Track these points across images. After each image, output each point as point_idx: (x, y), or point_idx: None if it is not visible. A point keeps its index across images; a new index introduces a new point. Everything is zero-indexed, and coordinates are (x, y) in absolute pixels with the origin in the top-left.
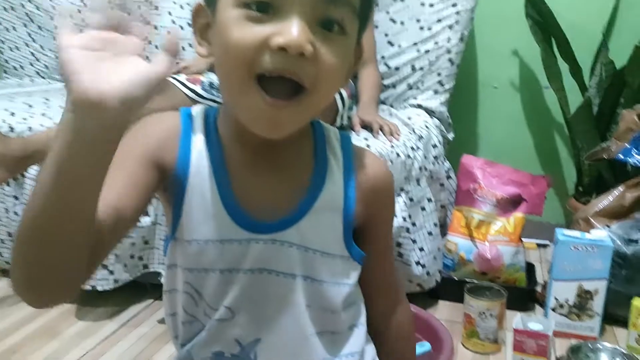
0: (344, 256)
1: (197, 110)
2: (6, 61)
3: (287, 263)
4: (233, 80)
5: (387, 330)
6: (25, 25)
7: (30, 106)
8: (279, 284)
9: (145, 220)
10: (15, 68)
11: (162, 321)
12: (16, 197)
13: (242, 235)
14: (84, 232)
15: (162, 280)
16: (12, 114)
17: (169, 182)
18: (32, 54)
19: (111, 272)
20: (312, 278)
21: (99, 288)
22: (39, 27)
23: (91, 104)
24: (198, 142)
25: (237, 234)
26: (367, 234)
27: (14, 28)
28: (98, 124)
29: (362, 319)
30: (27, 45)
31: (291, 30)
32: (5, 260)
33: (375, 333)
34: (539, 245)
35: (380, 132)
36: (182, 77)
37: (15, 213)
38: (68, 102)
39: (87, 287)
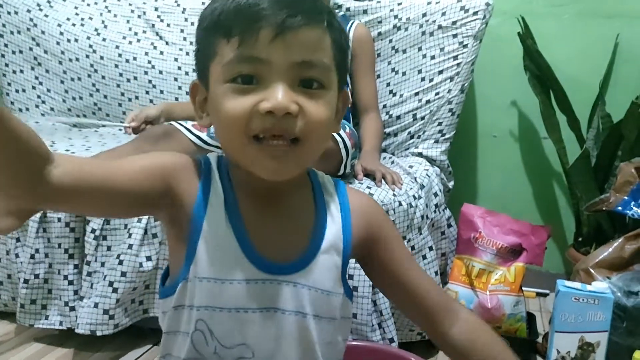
0: (340, 293)
1: (212, 156)
2: (12, 103)
3: (299, 303)
4: (232, 143)
5: (469, 343)
6: (32, 69)
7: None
8: (292, 323)
9: (147, 265)
10: (20, 110)
11: None
12: (18, 239)
13: (259, 276)
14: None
15: (161, 321)
16: None
17: (182, 218)
18: (39, 96)
19: (111, 317)
20: (320, 316)
21: (99, 333)
22: (47, 71)
23: None
24: (214, 186)
25: (254, 275)
26: (381, 258)
27: (21, 71)
28: None
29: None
30: (33, 87)
31: (275, 95)
32: (3, 302)
33: (462, 351)
34: (538, 294)
35: (382, 180)
36: (189, 124)
37: (17, 255)
38: None
39: (86, 331)
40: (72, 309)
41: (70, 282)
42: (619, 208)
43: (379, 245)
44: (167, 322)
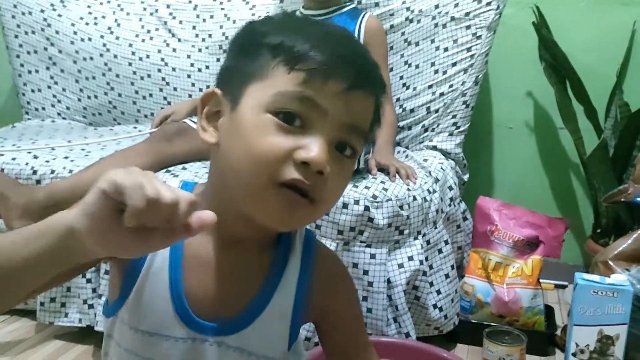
0: (282, 352)
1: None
2: (28, 102)
3: None
4: (251, 182)
5: None
6: (47, 68)
7: (52, 149)
8: None
9: None
10: (36, 109)
11: None
12: None
13: (187, 334)
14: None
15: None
16: (35, 156)
17: (124, 264)
18: (54, 95)
19: None
20: None
21: None
22: (62, 70)
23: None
24: None
25: (183, 333)
26: (331, 327)
27: (36, 71)
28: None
29: None
30: (49, 87)
31: (317, 149)
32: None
33: None
34: (556, 286)
35: (396, 175)
36: None
37: None
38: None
39: None
40: (91, 306)
41: (89, 280)
42: (638, 199)
43: (330, 313)
44: (104, 343)
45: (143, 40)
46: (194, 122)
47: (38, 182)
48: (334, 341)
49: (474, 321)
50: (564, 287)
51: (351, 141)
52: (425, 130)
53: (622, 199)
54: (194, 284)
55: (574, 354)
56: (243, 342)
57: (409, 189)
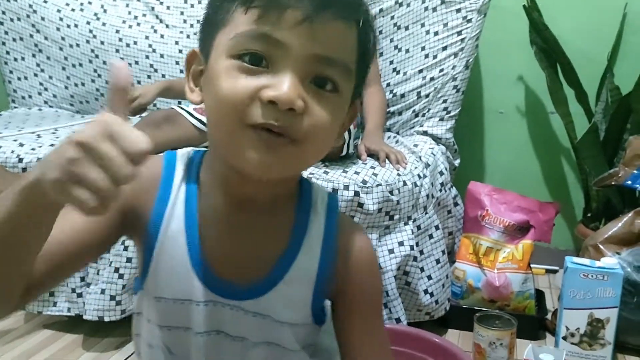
0: (305, 324)
1: (181, 154)
2: (14, 90)
3: (247, 329)
4: (222, 127)
5: None
6: (34, 56)
7: (38, 136)
8: (236, 348)
9: None
10: (23, 97)
11: None
12: None
13: (208, 297)
14: (16, 272)
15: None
16: (21, 144)
17: (140, 233)
18: (41, 83)
19: (118, 303)
20: (274, 344)
21: (106, 319)
22: (48, 57)
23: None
24: (174, 193)
25: (204, 296)
26: (345, 309)
27: (22, 58)
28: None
29: None
30: (35, 75)
31: (283, 85)
32: None
33: None
34: (547, 271)
35: (386, 160)
36: (190, 108)
37: None
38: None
39: (94, 317)
40: (80, 295)
41: None
42: (629, 182)
43: (348, 297)
44: (134, 323)
45: (130, 27)
46: (182, 108)
47: (24, 170)
48: (347, 330)
49: (465, 306)
50: (554, 271)
51: (329, 73)
52: (416, 116)
53: (613, 183)
54: (212, 247)
55: (564, 338)
56: (264, 307)
57: (399, 174)
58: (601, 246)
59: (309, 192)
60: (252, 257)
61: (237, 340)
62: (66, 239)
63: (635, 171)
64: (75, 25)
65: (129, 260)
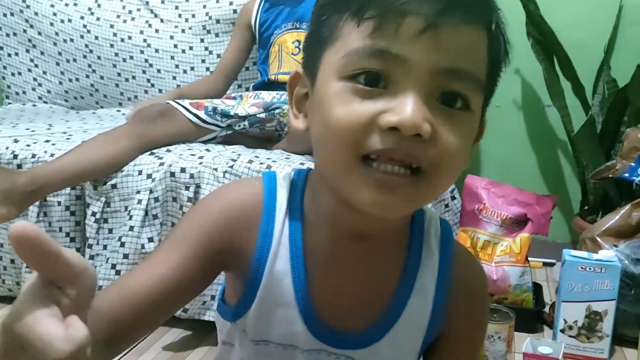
0: None
1: (282, 178)
2: (8, 86)
3: None
4: (335, 161)
5: None
6: (27, 51)
7: (33, 132)
8: None
9: (149, 246)
10: (17, 93)
11: (166, 348)
12: None
13: (314, 345)
14: None
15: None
16: (16, 140)
17: (241, 270)
18: (35, 79)
19: None
20: None
21: None
22: (42, 53)
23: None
24: (278, 229)
25: (310, 344)
26: (448, 346)
27: (16, 53)
28: None
29: None
30: (29, 70)
31: (405, 108)
32: (7, 287)
33: None
34: (545, 264)
35: None
36: (186, 102)
37: None
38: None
39: None
40: None
41: None
42: (626, 175)
43: (450, 332)
44: (220, 349)
45: (125, 21)
46: (178, 102)
47: (19, 166)
48: None
49: None
50: (552, 264)
51: (459, 90)
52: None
53: (610, 176)
54: (318, 289)
55: (562, 331)
56: (372, 356)
57: None
58: (598, 239)
59: (421, 222)
60: (362, 301)
61: None
62: (147, 282)
63: (632, 163)
64: (69, 20)
65: (125, 256)
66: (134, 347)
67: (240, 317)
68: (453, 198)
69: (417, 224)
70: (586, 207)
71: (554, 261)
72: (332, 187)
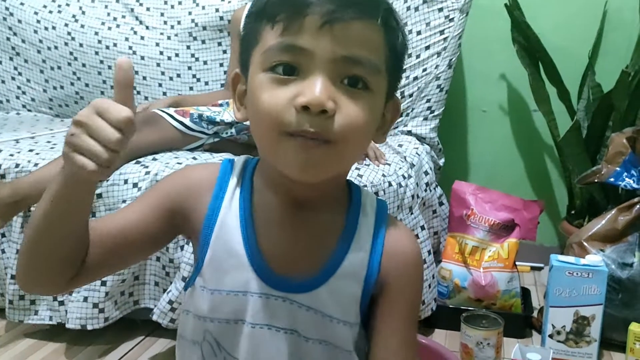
0: (354, 323)
1: (237, 160)
2: None
3: (300, 323)
4: (265, 138)
5: None
6: (11, 59)
7: (17, 142)
8: (288, 342)
9: None
10: (0, 102)
11: (153, 358)
12: (3, 235)
13: (263, 290)
14: (61, 249)
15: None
16: None
17: (195, 231)
18: (19, 87)
19: (101, 310)
20: (321, 340)
21: (89, 327)
22: (25, 61)
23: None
24: (229, 192)
25: (259, 288)
26: (381, 307)
27: None
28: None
29: None
30: (13, 78)
31: (313, 90)
32: None
33: None
34: (532, 268)
35: (366, 158)
36: (171, 110)
37: (3, 251)
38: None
39: (77, 326)
40: (62, 303)
41: None
42: (611, 179)
43: (387, 295)
44: (180, 325)
45: (109, 28)
46: (163, 111)
47: (2, 176)
48: (382, 330)
49: (451, 306)
50: (539, 269)
51: (358, 73)
52: (400, 115)
53: (596, 180)
54: (266, 242)
55: (550, 336)
56: (315, 302)
57: (384, 175)
58: (585, 244)
59: (358, 196)
60: (305, 253)
61: (289, 334)
62: (116, 228)
63: (617, 168)
64: (53, 28)
65: None
66: (122, 357)
67: (197, 275)
68: (441, 204)
69: (354, 197)
70: (573, 212)
71: (541, 265)
72: (267, 159)
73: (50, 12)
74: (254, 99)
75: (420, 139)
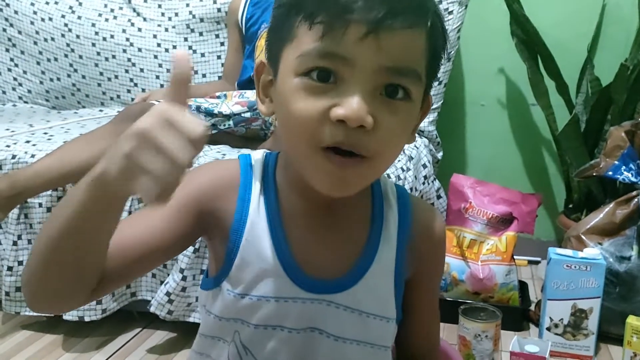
0: (391, 319)
1: (256, 157)
2: None
3: (339, 325)
4: (296, 149)
5: None
6: (7, 50)
7: (13, 132)
8: (330, 346)
9: None
10: None
11: (151, 350)
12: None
13: (298, 294)
14: (87, 263)
15: (201, 317)
16: None
17: (221, 234)
18: (15, 78)
19: (99, 302)
20: (361, 341)
21: (87, 319)
22: (22, 52)
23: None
24: (255, 195)
25: (294, 293)
26: (412, 285)
27: None
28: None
29: None
30: (9, 70)
31: (351, 103)
32: None
33: None
34: (530, 262)
35: None
36: None
37: None
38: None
39: (74, 317)
40: None
41: None
42: (610, 173)
43: (417, 274)
44: (205, 325)
45: (107, 20)
46: (159, 102)
47: None
48: (413, 303)
49: (449, 299)
50: (537, 262)
51: (400, 83)
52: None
53: (594, 174)
54: (297, 245)
55: (548, 329)
56: (353, 300)
57: None
58: (583, 237)
59: (378, 185)
60: (337, 252)
61: (330, 338)
62: (140, 235)
63: (616, 162)
64: (50, 19)
65: None
66: (120, 349)
67: (223, 279)
68: (439, 197)
69: (376, 189)
70: (571, 205)
71: (539, 259)
72: (297, 169)
73: (47, 3)
74: (287, 105)
75: (419, 132)
